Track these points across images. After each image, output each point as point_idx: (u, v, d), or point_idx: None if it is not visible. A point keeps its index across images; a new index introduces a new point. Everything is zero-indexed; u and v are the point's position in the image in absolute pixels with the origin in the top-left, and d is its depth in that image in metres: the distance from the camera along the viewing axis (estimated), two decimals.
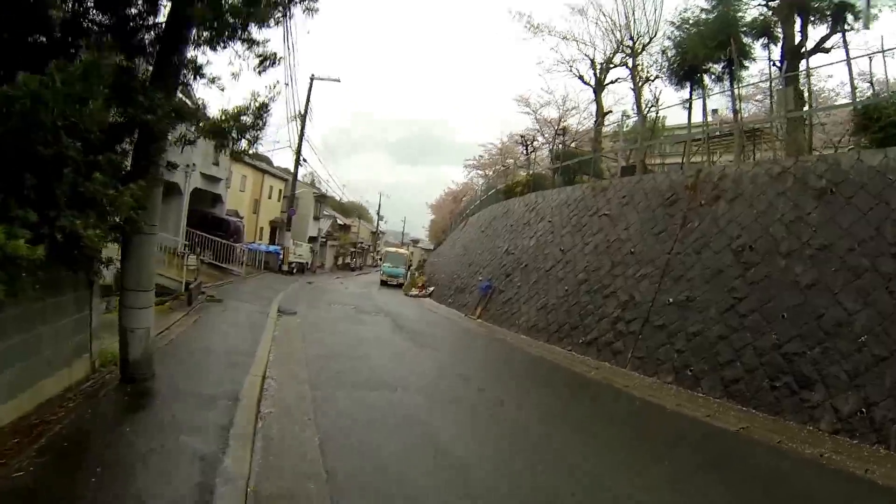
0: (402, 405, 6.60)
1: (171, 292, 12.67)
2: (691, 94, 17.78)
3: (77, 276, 5.57)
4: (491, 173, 41.86)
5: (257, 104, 5.39)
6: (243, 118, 5.38)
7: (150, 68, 5.67)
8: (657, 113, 22.07)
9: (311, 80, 28.33)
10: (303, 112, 27.84)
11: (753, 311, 9.24)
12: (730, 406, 8.22)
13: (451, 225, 50.24)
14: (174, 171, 5.73)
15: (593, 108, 25.81)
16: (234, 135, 5.44)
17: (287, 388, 6.70)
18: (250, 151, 6.33)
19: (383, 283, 34.37)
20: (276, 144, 45.36)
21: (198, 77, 6.20)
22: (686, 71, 17.42)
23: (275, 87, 5.41)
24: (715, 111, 19.10)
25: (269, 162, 38.55)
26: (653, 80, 21.88)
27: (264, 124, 5.40)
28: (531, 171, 24.16)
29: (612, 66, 24.28)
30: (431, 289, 28.62)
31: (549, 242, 17.36)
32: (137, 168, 5.50)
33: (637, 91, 21.54)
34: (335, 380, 7.40)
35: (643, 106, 21.44)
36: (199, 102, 5.70)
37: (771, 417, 7.67)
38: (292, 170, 28.95)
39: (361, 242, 60.94)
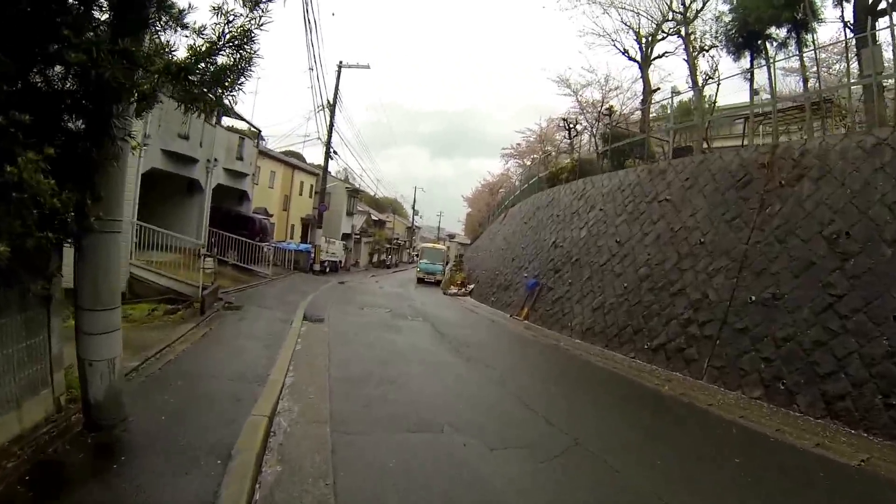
0: (453, 456, 4.88)
1: (186, 299, 11.33)
2: (752, 64, 15.57)
3: (21, 290, 4.14)
4: (529, 162, 39.84)
5: (236, 30, 3.57)
6: (219, 57, 3.62)
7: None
8: (718, 86, 19.73)
9: (339, 67, 26.94)
10: (332, 101, 26.47)
11: (857, 311, 7.56)
12: (837, 429, 6.85)
13: (489, 217, 48.44)
14: (128, 142, 4.00)
15: (638, 87, 23.82)
16: (206, 83, 3.68)
17: (301, 433, 5.06)
18: (233, 106, 4.57)
19: (420, 281, 32.94)
20: (305, 138, 43.81)
21: (173, 21, 4.52)
22: (745, 37, 15.21)
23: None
24: (756, 92, 16.70)
25: (302, 158, 37.42)
26: (707, 51, 19.63)
27: (248, 65, 3.62)
28: (576, 156, 22.11)
29: (659, 37, 22.10)
30: (471, 286, 26.90)
31: (602, 233, 15.46)
32: (89, 134, 3.88)
33: (691, 62, 19.28)
34: (365, 416, 5.74)
35: (699, 79, 19.16)
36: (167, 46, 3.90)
37: (888, 443, 6.30)
38: (322, 164, 27.55)
39: (397, 238, 59.69)
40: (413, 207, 71.20)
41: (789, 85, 21.96)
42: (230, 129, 20.12)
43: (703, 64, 20.30)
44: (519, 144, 41.21)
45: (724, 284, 10.11)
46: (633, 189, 15.13)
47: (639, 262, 13.04)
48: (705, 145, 17.10)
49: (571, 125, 25.30)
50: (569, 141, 25.65)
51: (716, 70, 19.29)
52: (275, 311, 12.04)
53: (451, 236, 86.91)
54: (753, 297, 9.35)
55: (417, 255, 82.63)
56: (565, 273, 16.23)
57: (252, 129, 22.88)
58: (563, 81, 27.00)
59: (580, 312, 14.23)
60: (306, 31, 24.59)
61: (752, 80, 15.66)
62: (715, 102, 18.16)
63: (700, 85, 18.80)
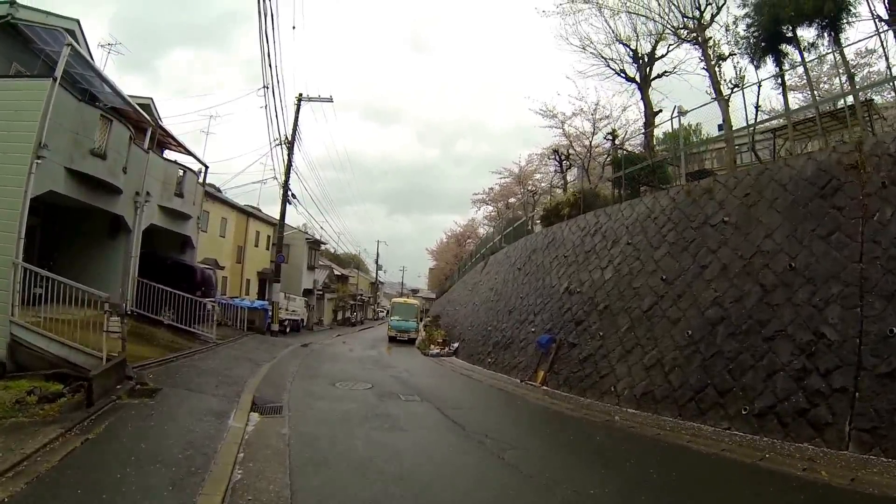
0: None
1: (80, 375, 7.44)
2: (781, 68, 13.49)
3: None
4: (502, 206, 37.26)
5: None
6: None
7: None
8: (758, 92, 17.77)
9: (299, 100, 23.86)
10: (290, 137, 23.18)
11: None
12: None
13: (458, 269, 45.60)
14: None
15: (629, 115, 21.90)
16: None
17: None
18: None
19: (392, 339, 29.13)
20: (261, 182, 39.33)
21: None
22: (769, 39, 13.13)
23: None
24: (757, 107, 14.88)
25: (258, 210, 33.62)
26: (725, 59, 17.73)
27: None
28: (576, 189, 19.31)
29: (659, 54, 20.40)
30: (455, 345, 23.27)
31: (637, 272, 12.47)
32: None
33: (711, 71, 17.27)
34: None
35: (723, 88, 17.06)
36: None
37: None
38: (280, 208, 23.91)
39: (361, 294, 55.60)
40: (376, 262, 67.47)
41: (798, 97, 20.41)
42: (168, 160, 16.42)
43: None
44: (492, 189, 38.79)
45: (845, 317, 7.61)
46: (671, 214, 12.42)
47: (703, 303, 10.12)
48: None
49: (563, 157, 22.69)
50: (560, 173, 23.01)
51: (742, 77, 17.19)
52: (209, 397, 8.10)
53: (415, 291, 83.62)
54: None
55: (383, 312, 78.84)
56: (591, 324, 12.99)
57: (199, 163, 19.23)
58: (547, 112, 24.68)
59: (625, 373, 10.95)
60: (261, 42, 21.66)
61: (783, 85, 13.49)
62: (758, 111, 15.77)
63: (725, 95, 16.68)
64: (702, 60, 17.78)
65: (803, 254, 8.77)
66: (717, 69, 17.49)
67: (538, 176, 31.08)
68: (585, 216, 16.61)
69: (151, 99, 16.87)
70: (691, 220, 11.64)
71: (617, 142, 19.76)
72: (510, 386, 13.65)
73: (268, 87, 19.94)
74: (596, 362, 12.00)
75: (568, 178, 22.85)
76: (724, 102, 16.33)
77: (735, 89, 17.80)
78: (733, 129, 14.70)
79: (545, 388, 13.09)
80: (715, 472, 6.33)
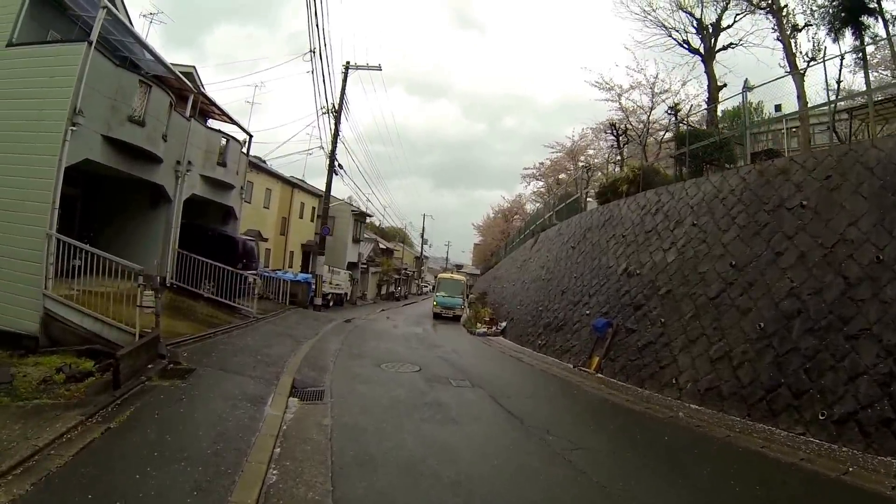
0: None
1: (111, 352, 6.98)
2: (862, 41, 12.01)
3: None
4: (553, 181, 35.80)
5: None
6: None
7: None
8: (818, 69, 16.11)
9: (346, 68, 23.01)
10: (337, 106, 22.47)
11: None
12: None
13: (505, 245, 44.48)
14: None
15: (689, 89, 20.40)
16: None
17: None
18: None
19: (437, 316, 28.51)
20: (307, 153, 38.28)
21: None
22: (850, 10, 11.70)
23: None
24: (839, 83, 13.23)
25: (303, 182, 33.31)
26: (800, 30, 15.98)
27: None
28: (638, 165, 17.90)
29: (724, 25, 18.59)
30: (503, 324, 22.44)
31: (703, 255, 11.32)
32: None
33: (786, 42, 15.62)
34: None
35: (798, 61, 15.39)
36: None
37: None
38: (326, 179, 23.35)
39: (405, 268, 55.29)
40: (422, 236, 66.95)
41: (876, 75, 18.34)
42: (211, 129, 15.94)
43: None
44: (542, 164, 37.28)
45: None
46: (741, 195, 11.20)
47: (778, 293, 9.00)
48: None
49: (620, 131, 21.19)
50: (618, 148, 21.53)
51: (821, 49, 15.40)
52: (244, 379, 7.53)
53: (459, 266, 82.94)
54: None
55: (427, 287, 78.63)
56: (651, 309, 11.92)
57: (243, 132, 18.79)
58: (604, 85, 23.11)
59: (689, 365, 9.93)
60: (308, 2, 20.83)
61: (864, 61, 11.92)
62: (840, 87, 14.12)
63: (801, 69, 15.01)
64: (775, 30, 16.20)
65: (893, 245, 7.61)
66: (792, 41, 15.87)
67: (591, 151, 29.49)
68: (646, 194, 15.33)
69: (194, 67, 16.42)
70: (764, 202, 10.45)
71: (679, 116, 18.13)
72: (563, 371, 12.75)
73: (315, 52, 19.23)
74: (656, 351, 10.99)
75: (624, 153, 21.38)
76: (798, 77, 14.78)
77: (812, 63, 16.07)
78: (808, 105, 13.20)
79: (600, 375, 12.16)
80: (800, 487, 5.45)
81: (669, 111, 18.67)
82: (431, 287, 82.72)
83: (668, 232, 13.08)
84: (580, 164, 28.56)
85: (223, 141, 15.94)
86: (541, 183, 39.00)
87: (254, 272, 15.64)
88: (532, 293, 21.28)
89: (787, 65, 15.12)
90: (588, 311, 14.64)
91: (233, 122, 18.12)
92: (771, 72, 17.77)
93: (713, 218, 11.72)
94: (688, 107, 22.08)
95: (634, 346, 11.78)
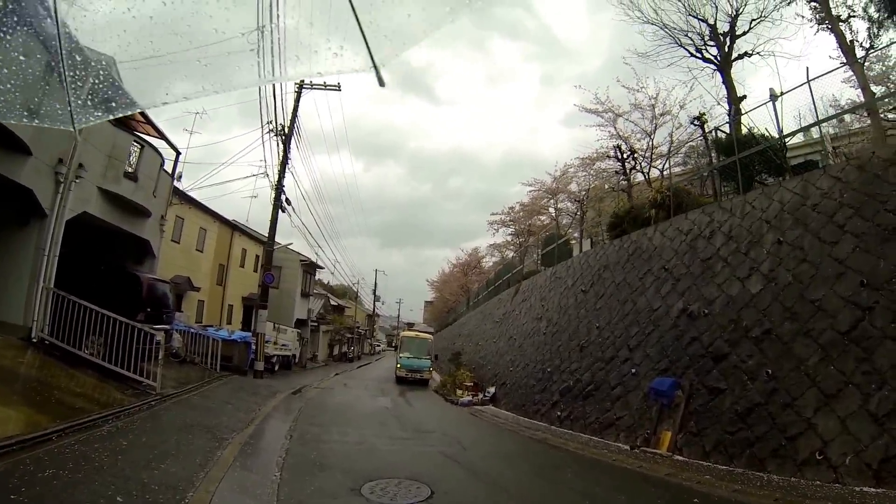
0: None
1: None
2: None
3: None
4: (525, 228, 32.74)
5: None
6: None
7: None
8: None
9: (300, 86, 19.36)
10: (287, 129, 18.64)
11: None
12: None
13: (468, 300, 40.96)
14: None
15: (692, 109, 18.42)
16: None
17: None
18: None
19: (400, 380, 24.14)
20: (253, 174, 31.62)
21: None
22: None
23: None
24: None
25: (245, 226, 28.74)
26: (845, 21, 14.08)
27: None
28: (665, 185, 14.87)
29: (739, 32, 16.81)
30: (492, 390, 18.35)
31: (808, 278, 8.26)
32: None
33: (836, 30, 13.96)
34: None
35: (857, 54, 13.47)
36: None
37: None
38: (271, 213, 19.03)
39: (358, 326, 50.36)
40: (374, 292, 62.21)
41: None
42: (118, 127, 11.67)
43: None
44: (512, 208, 34.18)
45: None
46: (841, 197, 8.40)
47: None
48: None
49: (627, 153, 18.37)
50: (622, 173, 18.66)
51: (878, 36, 13.45)
52: None
53: (410, 324, 77.94)
54: None
55: (379, 346, 73.12)
56: (744, 359, 8.55)
57: (171, 147, 14.56)
58: (598, 106, 20.43)
59: (839, 430, 6.71)
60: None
61: None
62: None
63: (860, 61, 12.87)
64: (812, 25, 14.36)
65: None
66: (840, 30, 13.98)
67: (574, 187, 26.65)
68: (686, 216, 12.18)
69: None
70: (881, 199, 7.70)
71: (705, 127, 15.48)
72: (622, 457, 8.87)
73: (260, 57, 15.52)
74: (772, 416, 7.50)
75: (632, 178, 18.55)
76: (857, 66, 12.56)
77: (871, 51, 14.22)
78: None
79: (679, 457, 8.46)
80: None
81: (695, 123, 16.00)
82: (383, 347, 77.35)
83: (739, 255, 9.88)
84: (561, 202, 25.56)
85: (134, 146, 11.73)
86: (510, 230, 35.80)
87: (166, 325, 11.02)
88: (529, 351, 17.44)
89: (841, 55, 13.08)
90: (634, 370, 10.95)
91: (161, 135, 13.91)
92: (785, 83, 15.77)
93: (808, 230, 8.64)
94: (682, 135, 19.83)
95: (729, 410, 8.23)
